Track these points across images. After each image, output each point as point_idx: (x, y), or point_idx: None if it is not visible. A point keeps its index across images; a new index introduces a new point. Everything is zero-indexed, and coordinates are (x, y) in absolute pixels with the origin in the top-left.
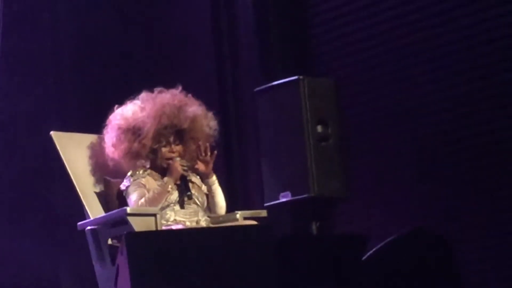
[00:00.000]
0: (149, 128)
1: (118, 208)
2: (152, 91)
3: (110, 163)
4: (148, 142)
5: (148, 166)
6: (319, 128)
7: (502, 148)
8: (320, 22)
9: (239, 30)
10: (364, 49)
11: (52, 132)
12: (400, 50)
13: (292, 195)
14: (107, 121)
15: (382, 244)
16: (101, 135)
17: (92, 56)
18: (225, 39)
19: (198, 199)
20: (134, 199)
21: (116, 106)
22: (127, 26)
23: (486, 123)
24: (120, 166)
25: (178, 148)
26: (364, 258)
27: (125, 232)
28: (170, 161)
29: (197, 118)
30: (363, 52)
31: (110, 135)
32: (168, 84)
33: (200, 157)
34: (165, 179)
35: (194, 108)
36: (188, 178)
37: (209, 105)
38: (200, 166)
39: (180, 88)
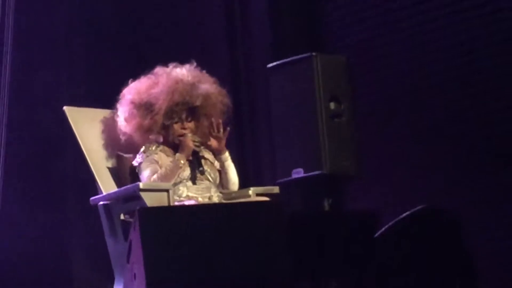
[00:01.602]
0: (161, 104)
1: (131, 184)
2: (166, 66)
3: (122, 138)
4: (160, 118)
5: (160, 141)
6: (332, 105)
7: None
8: None
9: (251, 6)
10: (376, 26)
11: (65, 107)
12: (413, 27)
13: (305, 172)
14: (121, 95)
15: (394, 221)
16: (114, 110)
17: (106, 29)
18: (237, 15)
19: (210, 175)
20: (146, 175)
21: (131, 80)
22: (140, 2)
23: (500, 101)
24: (132, 141)
25: (190, 124)
26: (376, 235)
27: (137, 208)
28: (182, 138)
29: (210, 96)
30: (376, 29)
31: (122, 109)
32: (180, 61)
33: (213, 134)
34: (177, 155)
35: (207, 85)
36: (200, 154)
37: (221, 81)
38: (213, 142)
39: (194, 64)
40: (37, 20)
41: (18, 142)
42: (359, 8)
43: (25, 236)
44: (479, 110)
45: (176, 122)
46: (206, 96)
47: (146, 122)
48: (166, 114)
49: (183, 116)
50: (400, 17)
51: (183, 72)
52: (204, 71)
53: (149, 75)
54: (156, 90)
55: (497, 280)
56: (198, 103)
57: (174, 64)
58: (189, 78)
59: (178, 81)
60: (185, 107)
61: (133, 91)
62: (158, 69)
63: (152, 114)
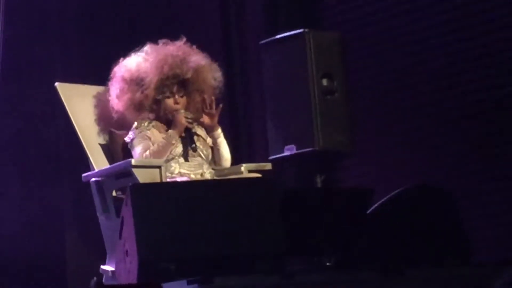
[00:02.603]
0: (152, 78)
1: (123, 160)
2: (156, 43)
3: (115, 115)
4: (151, 92)
5: (152, 118)
6: (325, 82)
7: (509, 105)
8: None
9: None
10: (370, 2)
11: (57, 83)
12: (408, 3)
13: (297, 149)
14: (112, 74)
15: (386, 198)
16: (107, 87)
17: (98, 7)
18: None
19: (202, 152)
20: (139, 152)
21: (122, 58)
22: None
23: (495, 79)
24: (125, 118)
25: (182, 100)
26: (368, 212)
27: (130, 184)
28: (175, 114)
29: (201, 69)
30: (370, 5)
31: (114, 87)
32: (173, 37)
33: (206, 110)
34: (170, 131)
35: (198, 58)
36: (193, 130)
37: (214, 57)
38: (206, 119)
39: (184, 39)
40: None
41: (9, 119)
42: None
43: (17, 212)
44: (477, 88)
45: (168, 97)
46: (197, 69)
47: (138, 97)
48: (157, 88)
49: (174, 89)
50: None
51: (173, 47)
52: (194, 46)
53: (138, 53)
54: (146, 65)
55: (489, 255)
56: (188, 75)
57: (164, 40)
58: (179, 53)
59: (168, 55)
60: (176, 80)
61: (123, 68)
62: (148, 46)
63: (143, 88)
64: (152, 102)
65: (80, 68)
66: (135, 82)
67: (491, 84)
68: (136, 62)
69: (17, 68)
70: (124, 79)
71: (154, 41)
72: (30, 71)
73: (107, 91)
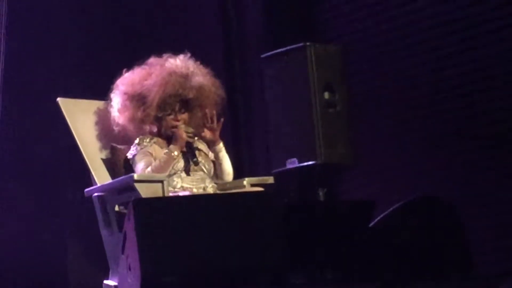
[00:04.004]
0: (154, 96)
1: (125, 175)
2: (161, 57)
3: (116, 128)
4: (152, 111)
5: (155, 130)
6: (326, 95)
7: (509, 116)
8: None
9: None
10: (371, 14)
11: (59, 99)
12: (409, 16)
13: (299, 162)
14: (114, 85)
15: (389, 210)
16: (108, 101)
17: (100, 21)
18: (231, 4)
19: (204, 166)
20: (141, 168)
21: (124, 70)
22: None
23: (496, 91)
24: (125, 131)
25: (183, 116)
26: (371, 224)
27: (132, 199)
28: (175, 129)
29: (203, 88)
30: (371, 18)
31: (116, 100)
32: (174, 50)
33: (207, 125)
34: (171, 146)
35: (201, 77)
36: (194, 145)
37: (215, 71)
38: (207, 133)
39: (188, 54)
40: (31, 9)
41: (11, 133)
42: None
43: (19, 227)
44: (477, 99)
45: (169, 114)
46: (199, 88)
47: (139, 114)
48: (159, 106)
49: (176, 108)
50: (396, 5)
51: (176, 63)
52: (198, 62)
53: (143, 66)
54: (149, 82)
55: (491, 267)
56: (191, 95)
57: (168, 54)
58: (183, 70)
59: (171, 73)
60: (178, 99)
61: (126, 82)
62: (152, 60)
63: (144, 106)
64: (153, 119)
65: (82, 83)
66: (137, 98)
67: (492, 95)
68: (139, 77)
69: (19, 83)
70: (126, 94)
71: (155, 54)
72: (32, 86)
73: (109, 103)
